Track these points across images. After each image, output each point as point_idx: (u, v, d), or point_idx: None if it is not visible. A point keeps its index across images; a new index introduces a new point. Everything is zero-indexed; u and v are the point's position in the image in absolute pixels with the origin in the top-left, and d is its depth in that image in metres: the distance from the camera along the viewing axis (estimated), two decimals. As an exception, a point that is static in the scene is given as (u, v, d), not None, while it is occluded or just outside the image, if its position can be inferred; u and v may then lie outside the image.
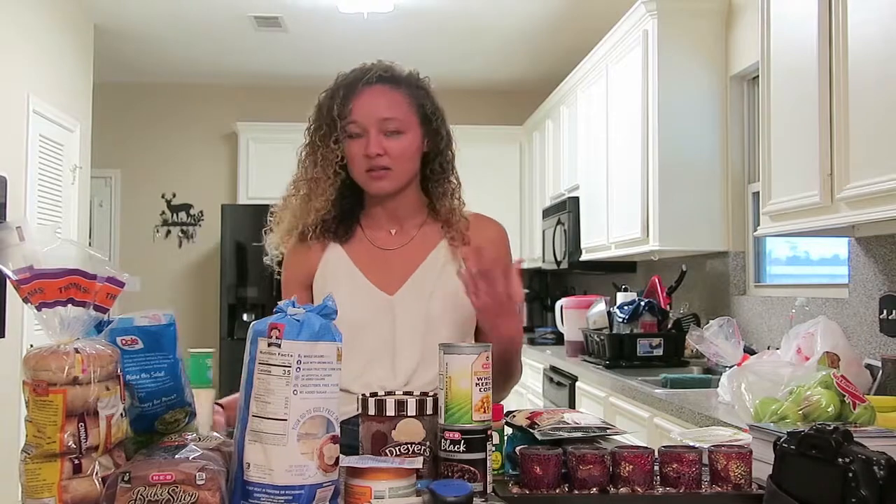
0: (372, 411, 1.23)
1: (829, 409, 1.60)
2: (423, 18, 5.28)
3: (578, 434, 1.38)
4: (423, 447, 1.22)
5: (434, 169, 1.71)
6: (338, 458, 1.08)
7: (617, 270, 5.01)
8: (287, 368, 1.04)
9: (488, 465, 1.21)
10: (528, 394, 5.15)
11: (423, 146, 1.68)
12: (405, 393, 1.31)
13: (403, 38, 5.61)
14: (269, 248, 1.75)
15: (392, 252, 1.71)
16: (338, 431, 1.08)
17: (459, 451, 1.19)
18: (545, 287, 6.57)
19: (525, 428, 1.40)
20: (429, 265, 1.68)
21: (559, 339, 5.00)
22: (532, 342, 5.56)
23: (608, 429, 1.43)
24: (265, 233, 1.76)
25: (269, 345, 1.06)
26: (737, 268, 3.82)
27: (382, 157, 1.62)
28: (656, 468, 1.29)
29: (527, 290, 6.45)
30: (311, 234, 1.70)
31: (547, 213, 5.72)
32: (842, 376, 1.69)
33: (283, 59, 6.18)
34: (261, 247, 1.77)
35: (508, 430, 1.44)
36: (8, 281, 1.07)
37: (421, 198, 1.73)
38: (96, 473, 1.06)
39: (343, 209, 1.72)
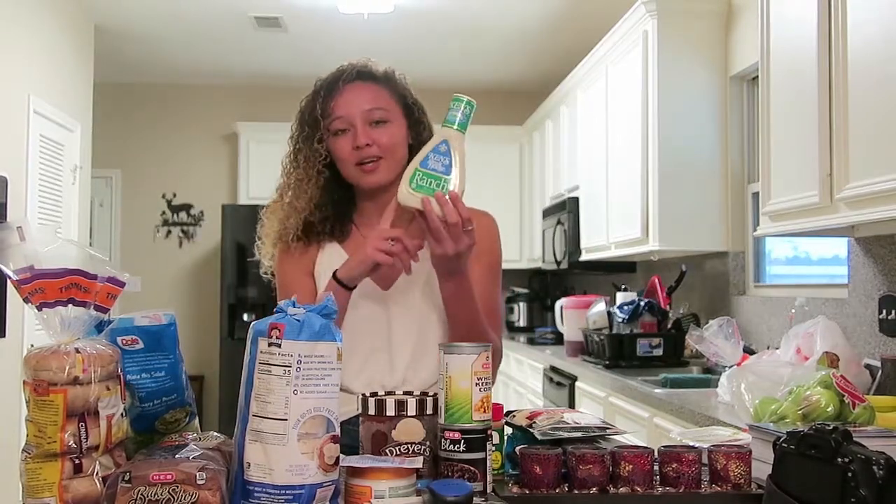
0: (372, 411, 1.23)
1: (828, 409, 1.60)
2: (423, 19, 5.28)
3: (578, 434, 1.38)
4: (423, 447, 1.22)
5: None
6: (338, 458, 1.08)
7: (617, 270, 5.01)
8: (287, 368, 1.05)
9: (488, 464, 1.22)
10: (528, 394, 5.15)
11: (408, 137, 1.69)
12: (405, 393, 1.32)
13: (403, 39, 5.60)
14: (264, 259, 1.74)
15: None
16: (338, 431, 1.08)
17: (459, 451, 1.19)
18: (545, 287, 6.56)
19: (525, 428, 1.41)
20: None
21: (559, 339, 5.00)
22: (532, 342, 5.55)
23: (608, 429, 1.43)
24: (256, 247, 1.75)
25: (270, 345, 1.06)
26: (736, 268, 3.82)
27: (371, 146, 1.62)
28: (656, 468, 1.29)
29: (526, 290, 6.45)
30: (294, 236, 1.67)
31: (547, 213, 5.72)
32: (841, 376, 1.69)
33: (283, 59, 6.17)
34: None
35: (508, 430, 1.44)
36: (8, 281, 1.08)
37: None
38: (97, 473, 1.06)
39: (337, 210, 1.71)
